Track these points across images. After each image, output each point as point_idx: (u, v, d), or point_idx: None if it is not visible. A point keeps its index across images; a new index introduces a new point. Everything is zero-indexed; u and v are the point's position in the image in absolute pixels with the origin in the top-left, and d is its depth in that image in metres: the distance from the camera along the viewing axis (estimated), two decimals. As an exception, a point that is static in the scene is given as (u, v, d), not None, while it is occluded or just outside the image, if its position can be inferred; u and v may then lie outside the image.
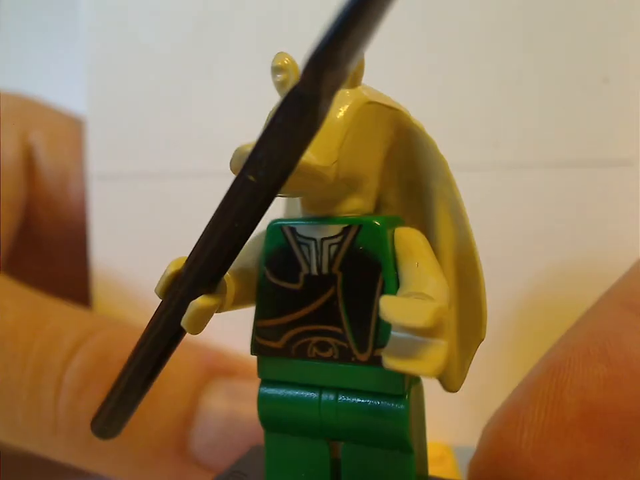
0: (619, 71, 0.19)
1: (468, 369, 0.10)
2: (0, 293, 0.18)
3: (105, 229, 0.21)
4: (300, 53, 0.21)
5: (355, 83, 0.10)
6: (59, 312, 0.18)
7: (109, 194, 0.21)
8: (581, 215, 0.20)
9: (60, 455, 0.17)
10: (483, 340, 0.11)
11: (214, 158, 0.21)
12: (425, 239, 0.11)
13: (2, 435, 0.17)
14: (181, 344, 0.18)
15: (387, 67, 0.21)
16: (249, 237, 0.10)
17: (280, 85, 0.11)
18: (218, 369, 0.17)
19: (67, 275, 0.23)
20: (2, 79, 0.29)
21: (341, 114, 0.10)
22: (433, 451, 0.12)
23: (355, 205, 0.11)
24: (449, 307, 0.09)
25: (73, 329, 0.17)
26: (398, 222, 0.11)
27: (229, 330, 0.20)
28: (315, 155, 0.09)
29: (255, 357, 0.12)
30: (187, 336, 0.19)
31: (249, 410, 0.17)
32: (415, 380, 0.10)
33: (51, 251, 0.23)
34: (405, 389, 0.10)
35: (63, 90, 0.25)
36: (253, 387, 0.17)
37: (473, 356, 0.10)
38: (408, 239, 0.10)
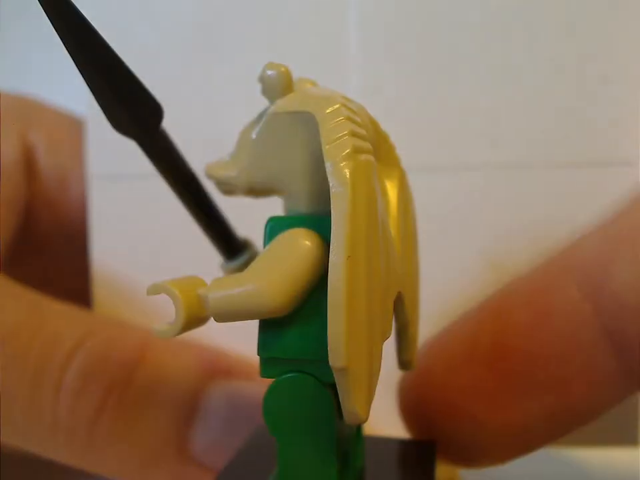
0: (619, 71, 0.19)
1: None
2: None
3: (105, 230, 0.21)
4: (300, 53, 0.22)
5: (282, 93, 0.10)
6: (58, 312, 0.18)
7: (109, 194, 0.21)
8: (580, 215, 0.20)
9: (60, 455, 0.17)
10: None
11: (214, 158, 0.21)
12: (302, 244, 0.09)
13: (2, 435, 0.17)
14: (180, 344, 0.18)
15: (386, 66, 0.21)
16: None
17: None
18: (218, 369, 0.17)
19: (66, 275, 0.23)
20: (2, 79, 0.29)
21: (246, 128, 0.11)
22: (441, 473, 0.12)
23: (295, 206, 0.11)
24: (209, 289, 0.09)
25: (72, 330, 0.17)
26: (304, 223, 0.10)
27: (229, 330, 0.20)
28: (222, 167, 0.11)
29: (255, 357, 0.12)
30: (187, 336, 0.19)
31: (249, 410, 0.17)
32: None
33: (51, 252, 0.23)
34: None
35: (63, 90, 0.25)
36: (253, 387, 0.17)
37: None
38: (279, 237, 0.10)
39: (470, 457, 0.13)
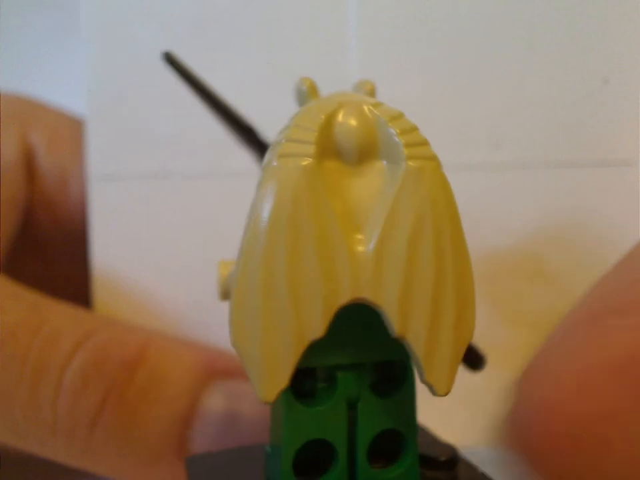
0: (619, 71, 0.19)
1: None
2: (-1, 293, 0.18)
3: (105, 230, 0.21)
4: (300, 53, 0.22)
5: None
6: (58, 312, 0.18)
7: (109, 194, 0.21)
8: (580, 215, 0.20)
9: (59, 455, 0.17)
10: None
11: (215, 158, 0.21)
12: None
13: (1, 435, 0.17)
14: (180, 344, 0.18)
15: (386, 66, 0.21)
16: None
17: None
18: (218, 369, 0.17)
19: (66, 275, 0.23)
20: (2, 79, 0.29)
21: None
22: None
23: None
24: None
25: (72, 330, 0.17)
26: None
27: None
28: None
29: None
30: (187, 336, 0.19)
31: (249, 410, 0.17)
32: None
33: (51, 252, 0.23)
34: None
35: (63, 90, 0.25)
36: (252, 387, 0.17)
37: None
38: None
39: None
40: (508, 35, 0.20)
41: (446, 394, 0.10)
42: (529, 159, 0.20)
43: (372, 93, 0.12)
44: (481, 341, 0.18)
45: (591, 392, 0.11)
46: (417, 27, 0.20)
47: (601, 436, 0.10)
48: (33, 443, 0.17)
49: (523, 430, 0.11)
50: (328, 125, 0.10)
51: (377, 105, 0.11)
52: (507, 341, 0.20)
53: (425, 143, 0.10)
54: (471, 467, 0.12)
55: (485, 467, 0.12)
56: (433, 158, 0.10)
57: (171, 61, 0.14)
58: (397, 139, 0.10)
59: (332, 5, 0.21)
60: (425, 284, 0.10)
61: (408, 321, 0.10)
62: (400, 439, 0.12)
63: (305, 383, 0.11)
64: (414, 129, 0.11)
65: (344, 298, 0.10)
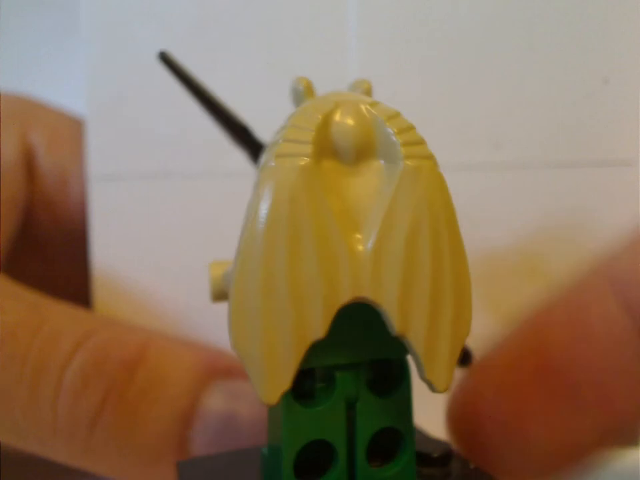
0: (619, 71, 0.19)
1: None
2: (-1, 293, 0.18)
3: (105, 230, 0.21)
4: (300, 53, 0.22)
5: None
6: (58, 312, 0.18)
7: (109, 194, 0.21)
8: (580, 215, 0.20)
9: (59, 455, 0.17)
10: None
11: (214, 158, 0.21)
12: None
13: (1, 435, 0.17)
14: (180, 344, 0.18)
15: (387, 66, 0.21)
16: None
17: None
18: (218, 369, 0.17)
19: (66, 275, 0.23)
20: (2, 79, 0.29)
21: None
22: None
23: None
24: None
25: (72, 330, 0.17)
26: None
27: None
28: None
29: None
30: (187, 336, 0.19)
31: (249, 410, 0.17)
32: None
33: (51, 252, 0.23)
34: None
35: (63, 90, 0.25)
36: (252, 387, 0.17)
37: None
38: None
39: (520, 475, 0.14)
40: (508, 35, 0.20)
41: (445, 391, 0.10)
42: (529, 159, 0.20)
43: (368, 91, 0.12)
44: (479, 341, 0.18)
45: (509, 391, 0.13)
46: (416, 27, 0.20)
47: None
48: (33, 442, 0.17)
49: (450, 413, 0.14)
50: (325, 124, 0.10)
51: (374, 105, 0.11)
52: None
53: (421, 142, 0.10)
54: (464, 463, 0.12)
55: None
56: (430, 157, 0.10)
57: (167, 60, 0.14)
58: (394, 138, 0.10)
59: (332, 5, 0.21)
60: (423, 282, 0.10)
61: (408, 319, 0.10)
62: (397, 437, 0.12)
63: (304, 383, 0.11)
64: (411, 128, 0.11)
65: (344, 297, 0.10)
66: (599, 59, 0.19)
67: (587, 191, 0.20)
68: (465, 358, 0.14)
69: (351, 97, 0.11)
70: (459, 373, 0.15)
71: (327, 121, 0.10)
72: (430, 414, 0.14)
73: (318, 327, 0.10)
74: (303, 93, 0.12)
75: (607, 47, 0.19)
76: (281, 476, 0.11)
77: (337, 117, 0.10)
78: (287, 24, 0.21)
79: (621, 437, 0.13)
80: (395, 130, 0.10)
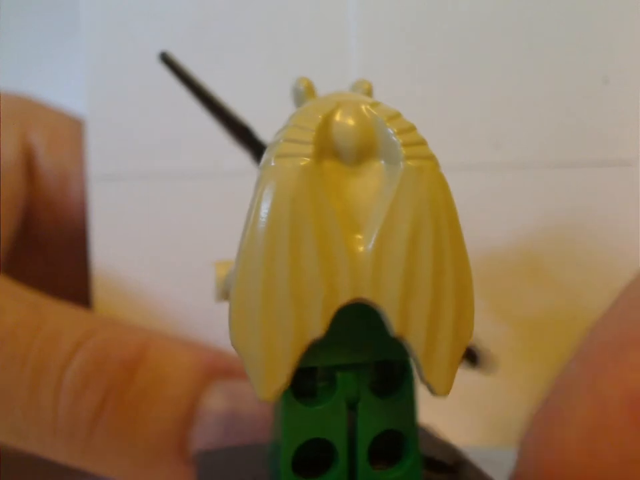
0: (619, 71, 0.19)
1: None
2: (-1, 293, 0.18)
3: (105, 230, 0.21)
4: (300, 54, 0.22)
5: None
6: (58, 312, 0.18)
7: (109, 195, 0.21)
8: (580, 215, 0.20)
9: (59, 455, 0.17)
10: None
11: (214, 158, 0.21)
12: None
13: (1, 435, 0.17)
14: (180, 344, 0.18)
15: (387, 66, 0.21)
16: None
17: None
18: (218, 369, 0.17)
19: (67, 275, 0.23)
20: (2, 78, 0.29)
21: None
22: None
23: None
24: None
25: (72, 330, 0.17)
26: None
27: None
28: None
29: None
30: (187, 336, 0.19)
31: (249, 410, 0.17)
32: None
33: (51, 252, 0.23)
34: None
35: (63, 90, 0.25)
36: (252, 387, 0.17)
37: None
38: None
39: None
40: (508, 35, 0.20)
41: (445, 394, 0.10)
42: (529, 159, 0.20)
43: (369, 92, 0.12)
44: (480, 341, 0.18)
45: (608, 435, 0.10)
46: (416, 28, 0.20)
47: None
48: (33, 442, 0.17)
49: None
50: (326, 124, 0.10)
51: (375, 105, 0.11)
52: (506, 341, 0.20)
53: (422, 142, 0.10)
54: (477, 471, 0.12)
55: (485, 467, 0.13)
56: (431, 157, 0.10)
57: (167, 60, 0.14)
58: (394, 139, 0.10)
59: (332, 5, 0.21)
60: (424, 284, 0.10)
61: (407, 321, 0.10)
62: (402, 440, 0.12)
63: (306, 382, 0.11)
64: (412, 128, 0.11)
65: (344, 298, 0.10)
66: (599, 58, 0.19)
67: (587, 191, 0.20)
68: (473, 359, 0.14)
69: (352, 98, 0.11)
70: (471, 378, 0.15)
71: (327, 121, 0.10)
72: (437, 415, 0.14)
73: (317, 326, 0.10)
74: (303, 93, 0.12)
75: (607, 47, 0.19)
76: (280, 471, 0.11)
77: (338, 117, 0.11)
78: (287, 24, 0.21)
79: None
80: (396, 130, 0.10)
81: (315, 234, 0.10)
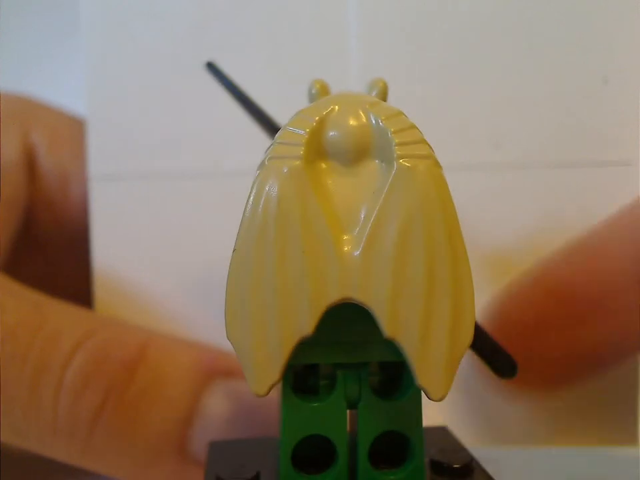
0: (619, 72, 0.19)
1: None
2: None
3: (105, 230, 0.21)
4: (300, 54, 0.22)
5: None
6: (58, 312, 0.18)
7: (109, 194, 0.21)
8: (581, 215, 0.20)
9: (59, 454, 0.17)
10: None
11: (215, 158, 0.21)
12: None
13: (2, 434, 0.17)
14: (181, 344, 0.18)
15: (386, 66, 0.21)
16: None
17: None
18: (218, 369, 0.17)
19: (67, 275, 0.23)
20: (2, 79, 0.29)
21: None
22: None
23: None
24: None
25: (73, 329, 0.17)
26: None
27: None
28: None
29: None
30: (187, 336, 0.19)
31: (249, 410, 0.17)
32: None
33: (52, 252, 0.23)
34: None
35: (63, 90, 0.25)
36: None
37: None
38: None
39: (538, 382, 0.17)
40: (508, 35, 0.20)
41: (440, 399, 0.10)
42: (529, 159, 0.20)
43: (384, 90, 0.12)
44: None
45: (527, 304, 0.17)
46: (416, 28, 0.20)
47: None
48: (33, 442, 0.17)
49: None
50: (320, 126, 0.11)
51: (374, 105, 0.11)
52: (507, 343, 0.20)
53: (419, 141, 0.10)
54: (486, 476, 0.12)
55: (485, 467, 0.13)
56: (427, 156, 0.10)
57: (214, 70, 0.15)
58: (390, 138, 0.10)
59: (332, 5, 0.21)
60: (415, 284, 0.10)
61: (398, 322, 0.10)
62: (406, 442, 0.12)
63: (309, 380, 0.12)
64: (411, 127, 0.10)
65: (332, 297, 0.10)
66: (599, 58, 0.19)
67: (586, 191, 0.20)
68: (505, 368, 0.13)
69: (352, 98, 0.11)
70: (472, 377, 0.16)
71: (323, 123, 0.11)
72: (438, 415, 0.14)
73: (305, 325, 0.10)
74: (315, 95, 0.12)
75: (606, 47, 0.19)
76: (280, 466, 0.11)
77: (334, 118, 0.11)
78: (287, 24, 0.21)
79: (623, 348, 0.16)
80: (392, 129, 0.10)
81: (302, 234, 0.10)
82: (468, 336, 0.10)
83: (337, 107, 0.11)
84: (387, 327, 0.10)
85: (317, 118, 0.11)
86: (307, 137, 0.10)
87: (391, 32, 0.21)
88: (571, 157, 0.20)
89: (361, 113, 0.11)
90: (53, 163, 0.22)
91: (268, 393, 0.10)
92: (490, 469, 0.13)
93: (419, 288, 0.10)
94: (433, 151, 0.11)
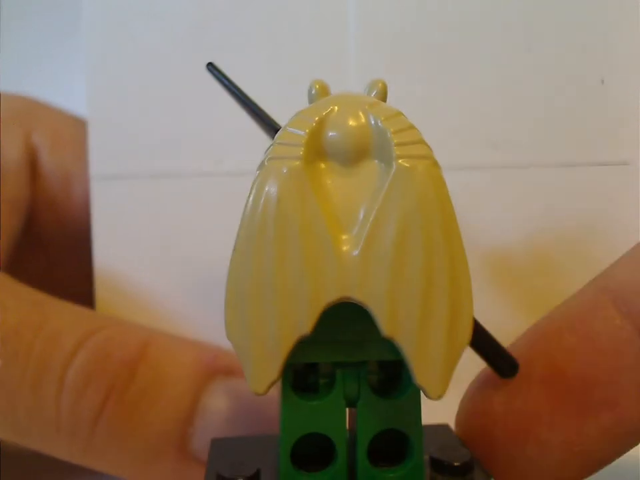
0: (617, 72, 0.19)
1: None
2: (1, 292, 0.18)
3: (107, 230, 0.21)
4: (300, 53, 0.22)
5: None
6: (60, 311, 0.18)
7: (110, 195, 0.21)
8: (580, 216, 0.20)
9: (62, 453, 0.17)
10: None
11: (215, 158, 0.21)
12: None
13: (4, 433, 0.17)
14: (181, 343, 0.18)
15: (385, 67, 0.21)
16: None
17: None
18: (218, 368, 0.17)
19: (69, 275, 0.23)
20: (4, 80, 0.29)
21: None
22: None
23: None
24: None
25: (74, 328, 0.17)
26: None
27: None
28: None
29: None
30: (187, 335, 0.19)
31: (250, 409, 0.17)
32: None
33: (54, 251, 0.23)
34: None
35: (63, 90, 0.25)
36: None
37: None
38: None
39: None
40: (506, 36, 0.20)
41: (439, 397, 0.10)
42: (528, 159, 0.20)
43: (383, 91, 0.12)
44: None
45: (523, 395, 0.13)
46: (415, 28, 0.20)
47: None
48: (35, 440, 0.17)
49: (460, 417, 0.15)
50: (320, 127, 0.11)
51: (374, 105, 0.11)
52: (506, 341, 0.20)
53: (418, 141, 0.10)
54: (485, 474, 0.12)
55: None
56: (426, 157, 0.10)
57: (214, 70, 0.15)
58: (389, 138, 0.10)
59: (332, 5, 0.21)
60: (414, 284, 0.10)
61: (397, 321, 0.10)
62: (405, 440, 0.12)
63: (309, 377, 0.12)
64: (410, 127, 0.11)
65: (331, 297, 0.10)
66: (596, 59, 0.19)
67: (587, 191, 0.20)
68: (510, 369, 0.14)
69: (352, 99, 0.11)
70: (472, 377, 0.16)
71: (322, 123, 0.11)
72: (438, 413, 0.14)
73: (304, 324, 0.10)
74: (315, 96, 0.12)
75: (604, 48, 0.19)
76: (279, 463, 0.11)
77: (333, 119, 0.11)
78: (287, 24, 0.21)
79: (629, 438, 0.13)
80: (392, 130, 0.10)
81: (300, 234, 0.10)
82: (466, 335, 0.10)
83: (336, 108, 0.11)
84: (385, 326, 0.10)
85: (317, 118, 0.11)
86: (306, 137, 0.10)
87: (391, 32, 0.21)
88: (570, 157, 0.20)
89: (361, 113, 0.11)
90: (55, 164, 0.22)
91: (267, 392, 0.10)
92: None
93: (417, 287, 0.10)
94: (431, 151, 0.11)
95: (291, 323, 0.10)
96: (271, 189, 0.10)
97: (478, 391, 0.14)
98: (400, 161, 0.10)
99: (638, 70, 0.19)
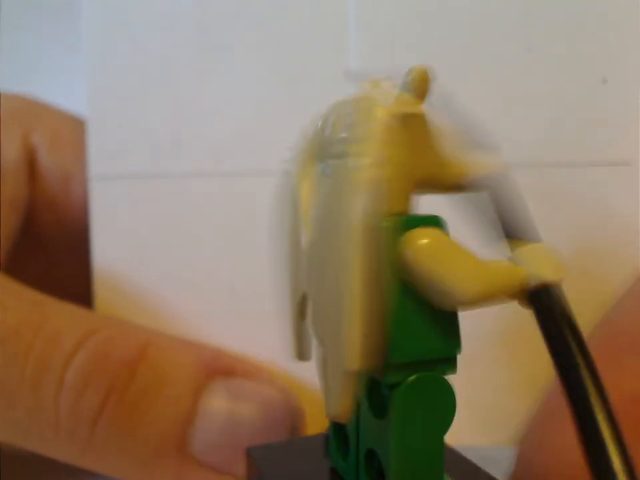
0: (619, 72, 0.19)
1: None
2: (1, 292, 0.18)
3: (106, 230, 0.21)
4: (300, 53, 0.22)
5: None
6: (60, 311, 0.18)
7: (109, 194, 0.21)
8: (580, 215, 0.20)
9: (61, 454, 0.17)
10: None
11: (215, 158, 0.21)
12: None
13: (3, 434, 0.17)
14: (181, 343, 0.18)
15: (385, 67, 0.21)
16: None
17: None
18: (218, 369, 0.17)
19: (68, 276, 0.23)
20: (4, 79, 0.29)
21: None
22: None
23: None
24: None
25: (74, 328, 0.17)
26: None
27: (229, 330, 0.20)
28: None
29: (255, 356, 0.12)
30: (187, 335, 0.19)
31: (249, 409, 0.17)
32: None
33: (53, 252, 0.23)
34: None
35: (63, 90, 0.25)
36: (253, 386, 0.17)
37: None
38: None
39: None
40: (507, 35, 0.20)
41: (334, 417, 0.10)
42: (527, 159, 0.20)
43: (417, 79, 0.11)
44: (480, 341, 0.18)
45: None
46: (416, 27, 0.20)
47: None
48: (34, 441, 0.17)
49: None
50: (320, 131, 0.11)
51: (359, 102, 0.11)
52: (506, 341, 0.20)
53: (369, 138, 0.10)
54: (487, 476, 0.12)
55: (484, 466, 0.13)
56: (369, 158, 0.10)
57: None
58: (344, 139, 0.10)
59: (332, 5, 0.21)
60: (326, 298, 0.10)
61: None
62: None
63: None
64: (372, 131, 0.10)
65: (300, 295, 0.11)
66: (598, 58, 0.19)
67: (586, 191, 0.20)
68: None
69: (349, 99, 0.11)
70: (472, 376, 0.15)
71: (322, 128, 0.11)
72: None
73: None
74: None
75: (605, 47, 0.19)
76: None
77: (329, 120, 0.11)
78: (287, 24, 0.21)
79: None
80: (347, 131, 0.10)
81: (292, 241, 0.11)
82: (349, 361, 0.09)
83: (329, 111, 0.11)
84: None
85: (320, 122, 0.11)
86: (305, 143, 0.11)
87: (391, 31, 0.21)
88: (571, 157, 0.20)
89: (338, 115, 0.11)
90: (54, 163, 0.22)
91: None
92: (489, 468, 0.13)
93: (330, 299, 0.10)
94: (388, 152, 0.10)
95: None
96: (282, 194, 0.11)
97: (548, 430, 0.12)
98: (343, 160, 0.10)
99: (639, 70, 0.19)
